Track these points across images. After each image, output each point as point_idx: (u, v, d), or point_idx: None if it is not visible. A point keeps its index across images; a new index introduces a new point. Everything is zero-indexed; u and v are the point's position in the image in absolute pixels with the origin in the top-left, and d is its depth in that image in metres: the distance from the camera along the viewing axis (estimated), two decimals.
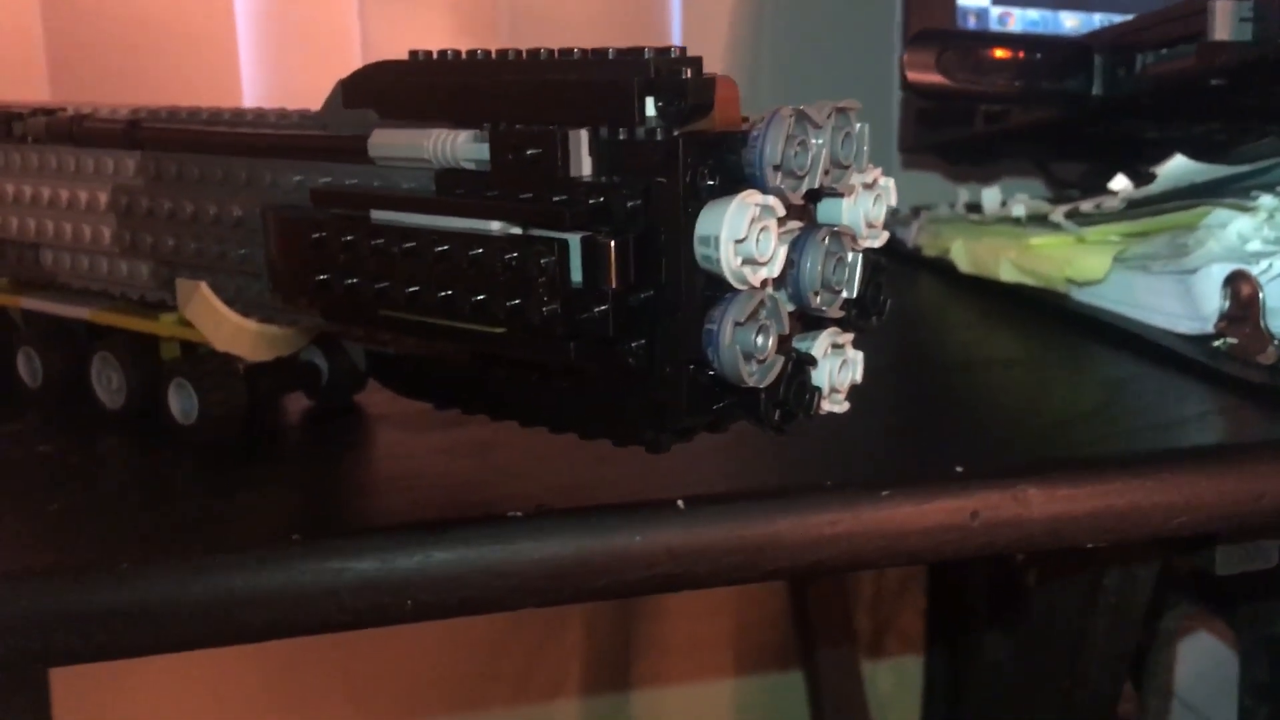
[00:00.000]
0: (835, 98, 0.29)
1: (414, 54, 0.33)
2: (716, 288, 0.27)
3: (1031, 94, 0.48)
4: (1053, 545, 0.36)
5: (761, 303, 0.26)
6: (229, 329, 0.38)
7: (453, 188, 0.30)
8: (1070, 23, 0.71)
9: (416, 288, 0.29)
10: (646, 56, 0.28)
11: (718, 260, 0.26)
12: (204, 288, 0.37)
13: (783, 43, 0.84)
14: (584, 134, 0.28)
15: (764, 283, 0.26)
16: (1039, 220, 0.55)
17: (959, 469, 0.35)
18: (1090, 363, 0.48)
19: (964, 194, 0.66)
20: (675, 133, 0.27)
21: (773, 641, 0.94)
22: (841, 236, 0.28)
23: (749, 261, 0.26)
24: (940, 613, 0.84)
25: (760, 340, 0.26)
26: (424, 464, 0.37)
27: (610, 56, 0.29)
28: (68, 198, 0.40)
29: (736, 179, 0.27)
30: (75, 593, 0.29)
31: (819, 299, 0.28)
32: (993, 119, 0.57)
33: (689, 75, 0.28)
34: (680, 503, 0.33)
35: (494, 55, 0.31)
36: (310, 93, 0.81)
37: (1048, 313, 0.53)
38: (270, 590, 0.31)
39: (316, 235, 0.31)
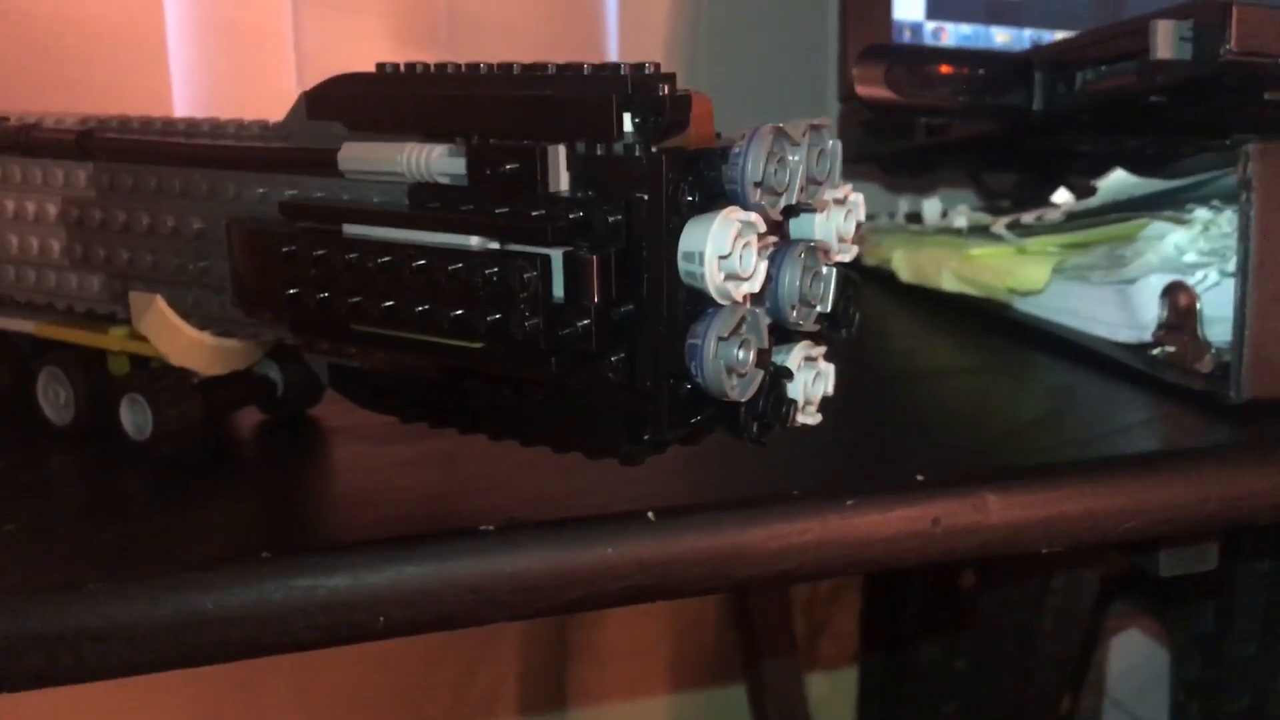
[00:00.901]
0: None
1: (381, 66, 0.33)
2: (697, 302, 0.27)
3: (975, 108, 0.49)
4: (1010, 551, 0.36)
5: (743, 318, 0.27)
6: (184, 343, 0.37)
7: (426, 202, 0.30)
8: (1001, 38, 0.73)
9: (392, 302, 0.29)
10: (623, 72, 0.28)
11: (702, 276, 0.26)
12: (160, 301, 0.37)
13: (719, 55, 0.84)
14: (562, 149, 0.28)
15: (745, 298, 0.27)
16: (979, 231, 0.56)
17: (920, 478, 0.36)
18: (1034, 371, 0.49)
19: (903, 204, 0.67)
20: (654, 149, 0.27)
21: (710, 652, 0.94)
22: (816, 251, 0.28)
23: (732, 277, 0.26)
24: (876, 618, 0.85)
25: (742, 354, 0.27)
26: (389, 477, 0.37)
27: (586, 72, 0.29)
28: (14, 209, 0.39)
29: (715, 195, 0.28)
30: (41, 614, 0.29)
31: (796, 313, 0.28)
32: (933, 131, 0.59)
33: (666, 91, 0.28)
34: (651, 514, 0.33)
35: (465, 69, 0.31)
36: (242, 99, 0.80)
37: (990, 322, 0.54)
38: (242, 608, 0.30)
39: (287, 249, 0.31)
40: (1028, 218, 0.52)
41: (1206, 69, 0.40)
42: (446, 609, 0.32)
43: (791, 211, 0.28)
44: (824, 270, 0.29)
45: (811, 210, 0.29)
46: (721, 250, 0.26)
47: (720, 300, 0.27)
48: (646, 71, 0.29)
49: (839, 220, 0.30)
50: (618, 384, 0.28)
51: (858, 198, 0.30)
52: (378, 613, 0.31)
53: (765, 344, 0.28)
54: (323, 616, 0.31)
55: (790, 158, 0.27)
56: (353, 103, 0.32)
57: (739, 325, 0.26)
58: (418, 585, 0.31)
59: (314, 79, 0.85)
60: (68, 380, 0.40)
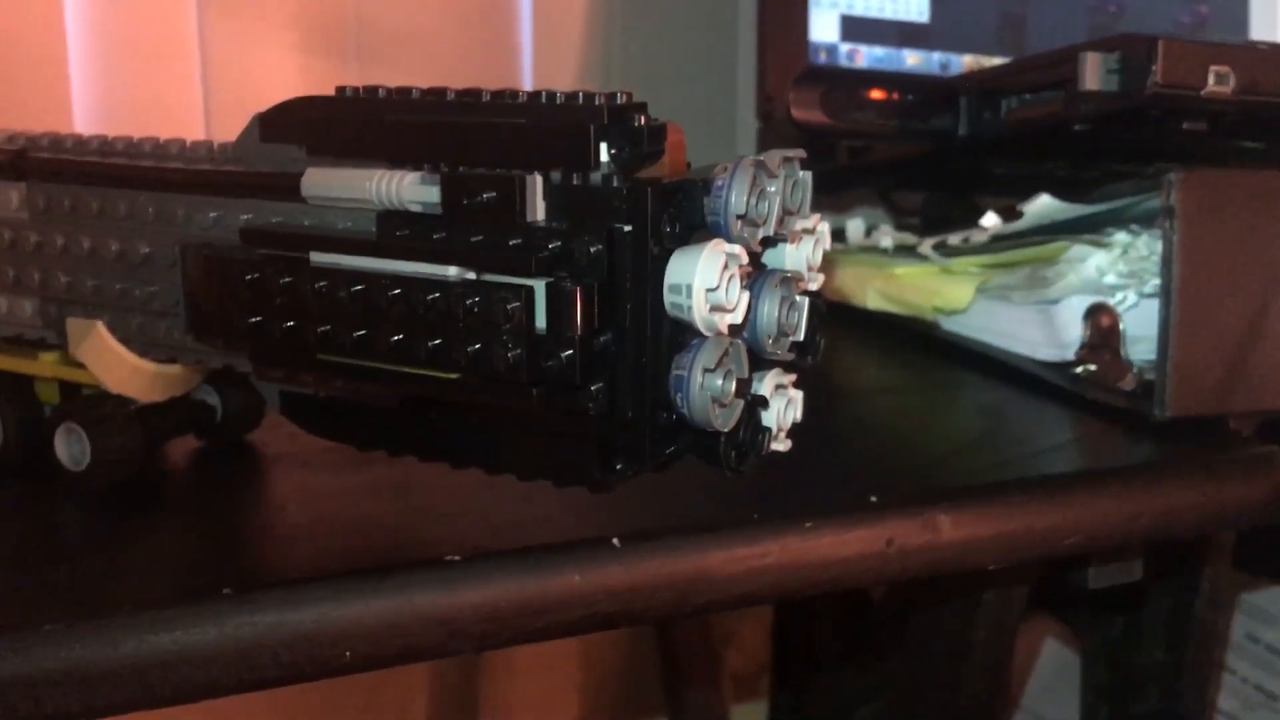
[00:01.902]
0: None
1: (341, 89, 0.32)
2: (678, 333, 0.27)
3: (905, 132, 0.50)
4: (960, 569, 0.37)
5: (727, 349, 0.27)
6: (125, 370, 0.36)
7: (395, 230, 0.30)
8: (912, 60, 0.75)
9: (364, 332, 0.29)
10: (598, 102, 0.28)
11: (689, 308, 0.26)
12: (100, 328, 0.35)
13: (631, 70, 0.85)
14: (539, 179, 0.28)
15: (728, 329, 0.27)
16: (904, 251, 0.57)
17: (873, 499, 0.37)
18: (962, 389, 0.50)
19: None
20: (635, 179, 0.27)
21: (623, 692, 0.94)
22: (791, 281, 0.29)
23: (717, 309, 0.26)
24: (785, 653, 0.86)
25: (725, 385, 0.27)
26: (343, 506, 0.36)
27: (559, 101, 0.29)
28: None
29: (693, 226, 0.28)
30: (11, 659, 0.28)
31: (773, 343, 0.28)
32: (855, 153, 0.60)
33: (642, 122, 0.28)
34: (616, 541, 0.33)
35: (431, 95, 0.31)
36: (146, 110, 0.78)
37: (914, 341, 0.55)
38: (205, 647, 0.29)
39: (250, 276, 0.30)
40: (954, 239, 0.53)
41: (1133, 100, 0.42)
42: (413, 642, 0.31)
43: (768, 242, 0.29)
44: (798, 300, 0.29)
45: (783, 240, 0.30)
46: (709, 283, 0.26)
47: (705, 332, 0.27)
48: (620, 101, 0.29)
49: (808, 250, 0.30)
50: (596, 414, 0.28)
51: (824, 227, 0.31)
52: (344, 648, 0.31)
53: (745, 374, 0.28)
54: (287, 653, 0.30)
55: (769, 190, 0.28)
56: (312, 126, 0.32)
57: (723, 356, 0.27)
58: (384, 618, 0.31)
59: (219, 89, 0.83)
60: None
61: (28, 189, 0.36)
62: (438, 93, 0.31)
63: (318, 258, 0.30)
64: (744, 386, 0.28)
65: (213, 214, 0.33)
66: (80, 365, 0.37)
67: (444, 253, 0.28)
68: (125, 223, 0.34)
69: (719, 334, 0.27)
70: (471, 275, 0.28)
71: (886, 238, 0.57)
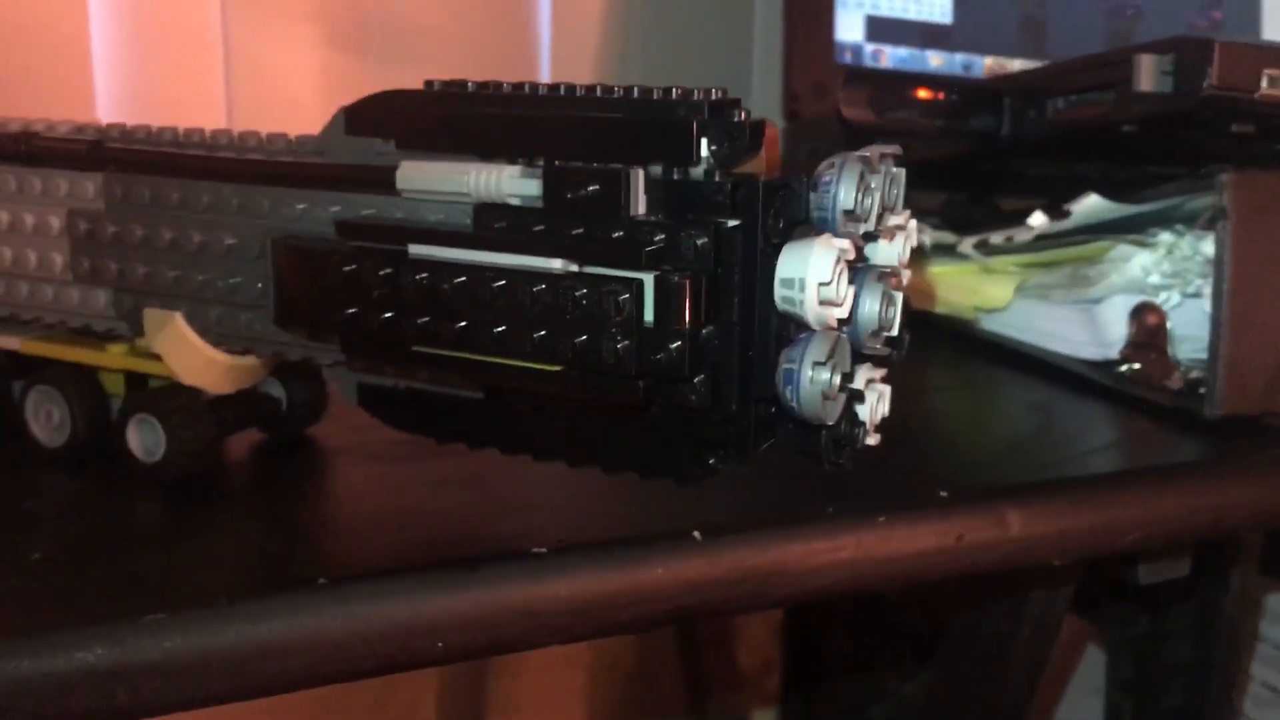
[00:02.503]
0: None
1: (429, 84, 0.32)
2: (784, 327, 0.28)
3: (949, 132, 0.51)
4: (1026, 564, 0.38)
5: (835, 343, 0.27)
6: (200, 362, 0.36)
7: (493, 222, 0.30)
8: (935, 60, 0.75)
9: (465, 324, 0.29)
10: (697, 97, 0.29)
11: (801, 302, 0.27)
12: (179, 319, 0.35)
13: (650, 65, 0.85)
14: (641, 173, 0.28)
15: (837, 323, 0.27)
16: (943, 250, 0.58)
17: (943, 494, 0.37)
18: (1007, 387, 0.51)
19: None
20: (741, 174, 0.28)
21: (632, 694, 0.94)
22: (888, 277, 0.29)
23: (827, 303, 0.27)
24: (796, 657, 0.86)
25: (833, 379, 0.27)
26: (419, 499, 0.36)
27: (657, 96, 0.29)
28: (9, 220, 0.37)
29: (795, 221, 0.28)
30: (95, 650, 0.28)
31: (871, 338, 0.29)
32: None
33: (742, 117, 0.29)
34: (697, 534, 0.34)
35: (526, 89, 0.31)
36: (169, 102, 0.78)
37: (953, 339, 0.56)
38: (301, 637, 0.29)
39: (348, 268, 0.30)
40: (996, 238, 0.54)
41: (1187, 102, 0.42)
42: (502, 633, 0.31)
43: (868, 237, 0.29)
44: (894, 295, 0.29)
45: (878, 236, 0.30)
46: (823, 277, 0.26)
47: (815, 326, 0.27)
48: (717, 97, 0.29)
49: (901, 245, 0.30)
50: (698, 407, 0.28)
51: (913, 224, 0.31)
52: (436, 638, 0.31)
53: (849, 368, 0.28)
54: (381, 644, 0.30)
55: (872, 186, 0.28)
56: (401, 120, 0.32)
57: (833, 350, 0.27)
58: (475, 610, 0.31)
59: (243, 82, 0.83)
60: (63, 400, 0.38)
61: (104, 179, 0.36)
62: (529, 87, 0.31)
63: (416, 250, 0.30)
64: (847, 381, 0.28)
65: (300, 206, 0.33)
66: (149, 356, 0.37)
67: (548, 245, 0.28)
68: (208, 214, 0.34)
69: (828, 328, 0.27)
70: (574, 268, 0.28)
71: (925, 235, 0.58)
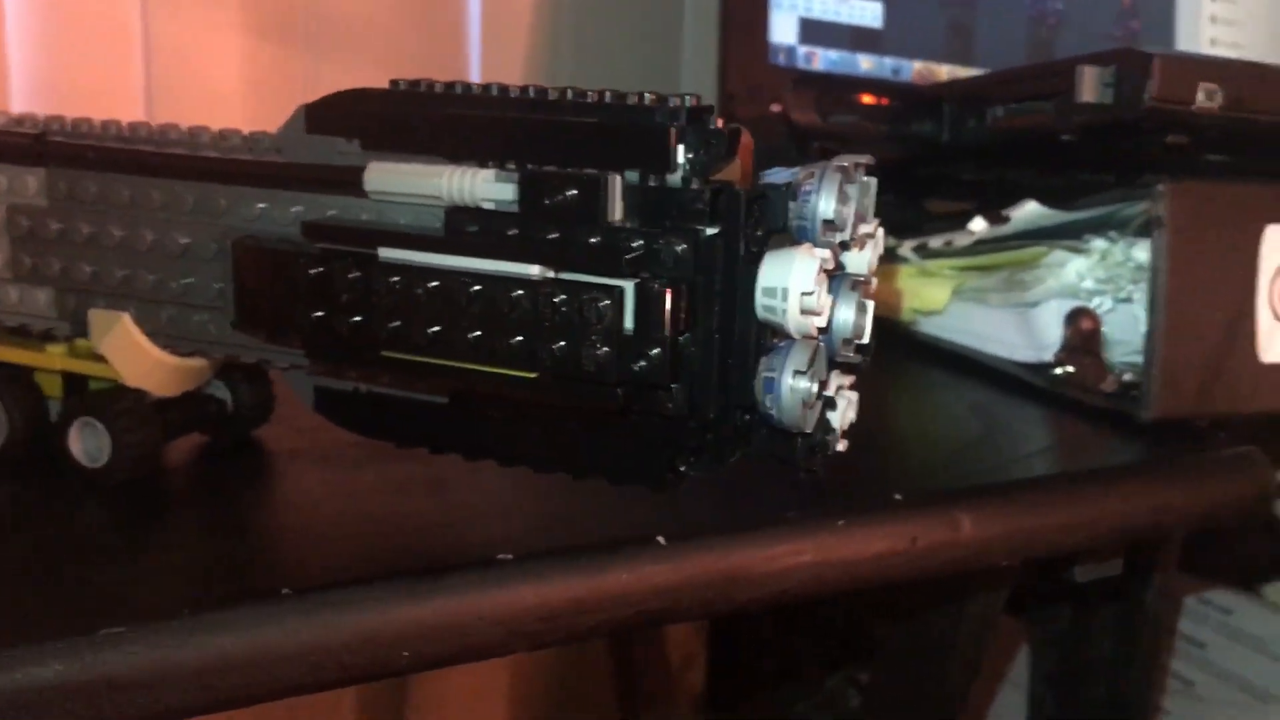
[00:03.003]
0: None
1: (395, 83, 0.32)
2: (763, 335, 0.28)
3: (891, 136, 0.51)
4: (978, 564, 0.38)
5: (814, 351, 0.27)
6: (148, 364, 0.35)
7: (464, 226, 0.29)
8: (866, 64, 0.76)
9: (438, 329, 0.28)
10: (673, 104, 0.29)
11: (783, 311, 0.27)
12: (127, 320, 0.34)
13: (581, 64, 0.85)
14: (619, 179, 0.28)
15: (817, 332, 0.28)
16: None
17: (898, 497, 0.38)
18: (947, 389, 0.52)
19: None
20: (720, 182, 0.28)
21: (554, 692, 0.93)
22: (860, 285, 0.29)
23: (808, 312, 0.27)
24: (721, 654, 0.86)
25: (812, 387, 0.27)
26: (376, 504, 0.36)
27: (631, 102, 0.29)
28: None
29: (774, 230, 0.28)
30: (62, 661, 0.27)
31: (846, 347, 0.29)
32: (827, 155, 0.61)
33: (719, 124, 0.29)
34: (661, 539, 0.34)
35: (493, 91, 0.30)
36: (87, 92, 0.75)
37: (893, 341, 0.57)
38: (267, 649, 0.29)
39: (316, 271, 0.29)
40: (935, 242, 0.54)
41: (1127, 114, 0.43)
42: (470, 641, 0.31)
43: (844, 246, 0.29)
44: (865, 303, 0.30)
45: (850, 245, 0.30)
46: (806, 287, 0.26)
47: (796, 335, 0.27)
48: (692, 104, 0.29)
49: (869, 254, 0.31)
50: (675, 414, 0.28)
51: (880, 232, 0.31)
52: (403, 648, 0.30)
53: (825, 376, 0.28)
54: (348, 655, 0.30)
55: (850, 195, 0.28)
56: (367, 119, 0.31)
57: (813, 359, 0.27)
58: (443, 618, 0.31)
59: (163, 71, 0.81)
60: None
61: (48, 175, 0.34)
62: (501, 89, 0.30)
63: (387, 253, 0.29)
64: (823, 388, 0.28)
65: (260, 205, 0.32)
66: (91, 358, 0.36)
67: (524, 251, 0.28)
68: (160, 213, 0.33)
69: (807, 337, 0.27)
70: (551, 274, 0.28)
71: None
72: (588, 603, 0.32)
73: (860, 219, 0.30)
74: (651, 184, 0.28)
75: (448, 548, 0.33)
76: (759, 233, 0.28)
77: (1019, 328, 0.52)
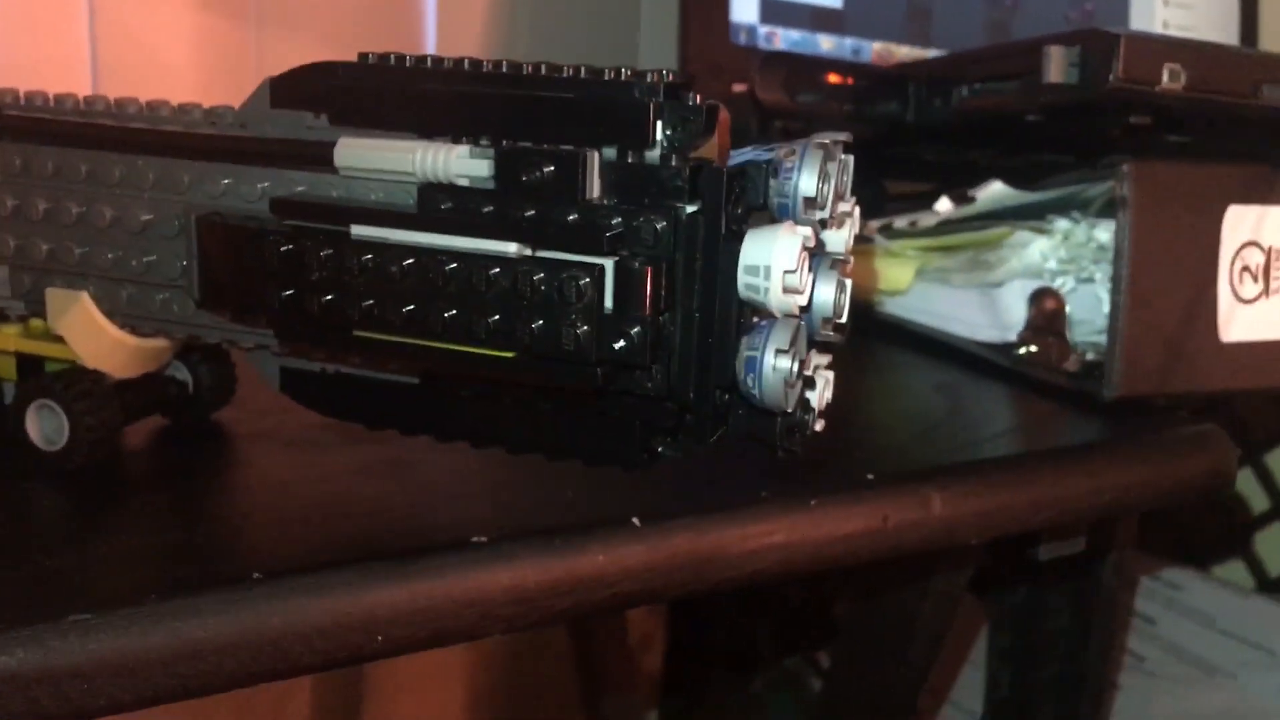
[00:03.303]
0: None
1: (364, 56, 0.31)
2: (746, 315, 0.27)
3: (858, 116, 0.51)
4: (948, 543, 0.39)
5: (796, 330, 0.27)
6: (107, 344, 0.34)
7: (438, 204, 0.29)
8: (826, 44, 0.76)
9: (413, 308, 0.28)
10: (651, 79, 0.28)
11: (766, 290, 0.26)
12: (86, 299, 0.33)
13: (537, 38, 0.84)
14: (597, 155, 0.28)
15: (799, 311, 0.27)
16: None
17: (870, 476, 0.38)
18: (913, 370, 0.52)
19: None
20: (699, 159, 0.27)
21: (512, 708, 0.92)
22: (839, 264, 0.29)
23: (790, 291, 0.27)
24: (679, 657, 0.86)
25: (795, 367, 0.27)
26: (344, 487, 0.35)
27: (607, 77, 0.29)
28: None
29: (753, 208, 0.28)
30: (26, 650, 0.26)
31: (825, 325, 0.29)
32: (789, 134, 0.60)
33: (697, 100, 0.28)
34: (636, 520, 0.33)
35: (465, 66, 0.30)
36: (29, 67, 0.73)
37: (857, 321, 0.57)
38: (236, 635, 0.28)
39: (286, 249, 0.29)
40: (900, 222, 0.54)
41: (1093, 94, 0.44)
42: (444, 625, 0.31)
43: (823, 224, 0.29)
44: (845, 283, 0.29)
45: (828, 224, 0.30)
46: (789, 265, 0.26)
47: (778, 314, 0.27)
48: (669, 79, 0.29)
49: (847, 233, 0.31)
50: (654, 394, 0.28)
51: (856, 210, 0.31)
52: (376, 632, 0.30)
53: (806, 355, 0.28)
54: (320, 640, 0.29)
55: (831, 173, 0.28)
56: (335, 93, 0.31)
57: (794, 338, 0.27)
58: (416, 602, 0.30)
59: (110, 45, 0.79)
60: None
61: (1, 149, 0.33)
62: (474, 64, 0.30)
63: (359, 230, 0.29)
64: (803, 367, 0.28)
65: (225, 181, 0.31)
66: (47, 338, 0.35)
67: (501, 228, 0.28)
68: (120, 189, 0.32)
69: (789, 315, 0.27)
70: (528, 252, 0.28)
71: None
72: (562, 585, 0.32)
73: (839, 197, 0.29)
74: (630, 161, 0.28)
75: (419, 531, 0.32)
76: (739, 210, 0.27)
77: (983, 308, 0.52)
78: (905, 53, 0.78)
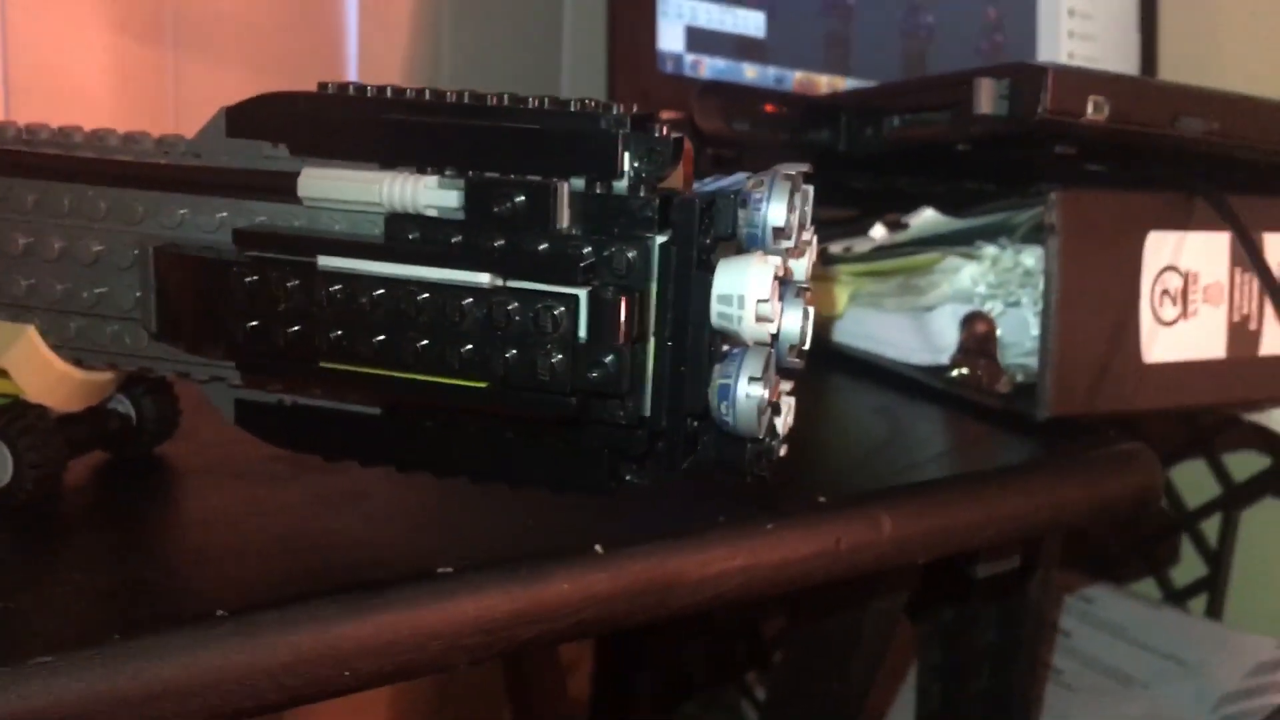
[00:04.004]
0: None
1: (324, 86, 0.31)
2: (716, 343, 0.28)
3: (792, 144, 0.52)
4: (898, 562, 0.39)
5: (768, 358, 0.27)
6: (52, 378, 0.33)
7: (405, 234, 0.29)
8: (750, 73, 0.77)
9: (383, 338, 0.28)
10: (617, 111, 0.29)
11: (739, 319, 0.27)
12: (33, 332, 0.33)
13: (460, 66, 0.84)
14: (566, 186, 0.28)
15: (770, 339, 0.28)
16: None
17: (822, 499, 0.38)
18: (849, 393, 0.53)
19: None
20: (667, 190, 0.28)
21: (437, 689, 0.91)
22: (805, 293, 0.30)
23: (763, 319, 0.27)
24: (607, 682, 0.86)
25: (766, 394, 0.27)
26: (299, 520, 0.35)
27: (573, 109, 0.29)
28: None
29: (721, 238, 0.28)
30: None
31: (790, 352, 0.29)
32: (721, 163, 0.61)
33: (664, 132, 0.29)
34: (599, 547, 0.33)
35: (428, 97, 0.30)
36: None
37: None
38: (203, 674, 0.28)
39: (250, 279, 0.28)
40: (835, 248, 0.56)
41: (1022, 124, 0.45)
42: (411, 658, 0.30)
43: (790, 253, 0.30)
44: (809, 311, 0.30)
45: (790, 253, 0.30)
46: (762, 294, 0.27)
47: (750, 342, 0.27)
48: (635, 111, 0.29)
49: (807, 261, 0.31)
50: (627, 422, 0.28)
51: (814, 239, 0.32)
52: (344, 667, 0.29)
53: (775, 383, 0.29)
54: (288, 677, 0.29)
55: (796, 203, 0.28)
56: (295, 123, 0.30)
57: (766, 365, 0.27)
58: (381, 635, 0.30)
59: (22, 70, 0.77)
60: None
61: None
62: (436, 94, 0.30)
63: (326, 261, 0.28)
64: (773, 394, 0.28)
65: (181, 211, 0.31)
66: None
67: (473, 258, 0.28)
68: (69, 219, 0.32)
69: (760, 343, 0.28)
70: (500, 282, 0.28)
71: None
72: (527, 614, 0.32)
73: (801, 226, 0.30)
74: (597, 191, 0.28)
75: (381, 563, 0.32)
76: (707, 240, 0.28)
77: (915, 331, 0.54)
78: (826, 82, 0.79)
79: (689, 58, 0.75)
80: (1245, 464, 0.82)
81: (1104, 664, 0.81)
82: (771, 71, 0.78)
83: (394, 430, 0.32)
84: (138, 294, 0.31)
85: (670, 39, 0.74)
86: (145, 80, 0.75)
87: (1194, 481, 0.84)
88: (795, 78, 0.79)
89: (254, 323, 0.29)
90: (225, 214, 0.31)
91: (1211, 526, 0.85)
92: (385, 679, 0.30)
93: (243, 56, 0.77)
